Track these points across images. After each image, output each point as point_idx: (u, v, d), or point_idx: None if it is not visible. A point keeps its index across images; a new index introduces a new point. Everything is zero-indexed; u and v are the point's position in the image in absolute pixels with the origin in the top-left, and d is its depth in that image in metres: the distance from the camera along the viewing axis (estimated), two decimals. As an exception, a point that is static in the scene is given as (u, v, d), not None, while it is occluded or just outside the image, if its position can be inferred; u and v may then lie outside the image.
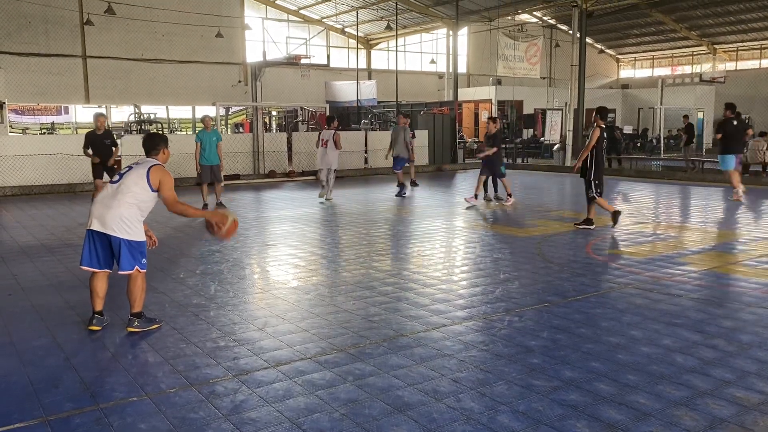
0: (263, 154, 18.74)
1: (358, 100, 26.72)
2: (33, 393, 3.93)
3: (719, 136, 13.20)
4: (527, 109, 29.52)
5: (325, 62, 20.89)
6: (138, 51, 25.74)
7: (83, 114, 29.74)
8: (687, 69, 37.64)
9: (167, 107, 28.99)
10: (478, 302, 5.79)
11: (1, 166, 15.02)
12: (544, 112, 27.53)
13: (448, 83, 29.42)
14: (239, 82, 28.03)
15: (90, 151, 11.52)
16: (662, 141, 27.28)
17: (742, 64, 35.67)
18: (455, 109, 24.10)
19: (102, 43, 25.03)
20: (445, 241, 9.14)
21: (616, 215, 9.67)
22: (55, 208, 12.67)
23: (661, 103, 28.89)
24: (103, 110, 14.13)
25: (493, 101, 30.00)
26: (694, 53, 37.04)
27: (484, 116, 29.80)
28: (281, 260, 7.80)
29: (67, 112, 30.58)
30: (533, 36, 28.56)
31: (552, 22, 34.46)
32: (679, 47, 36.82)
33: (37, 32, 24.00)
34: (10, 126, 22.92)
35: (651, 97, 32.19)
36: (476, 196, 12.48)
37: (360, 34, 32.05)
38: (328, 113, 19.83)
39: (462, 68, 31.92)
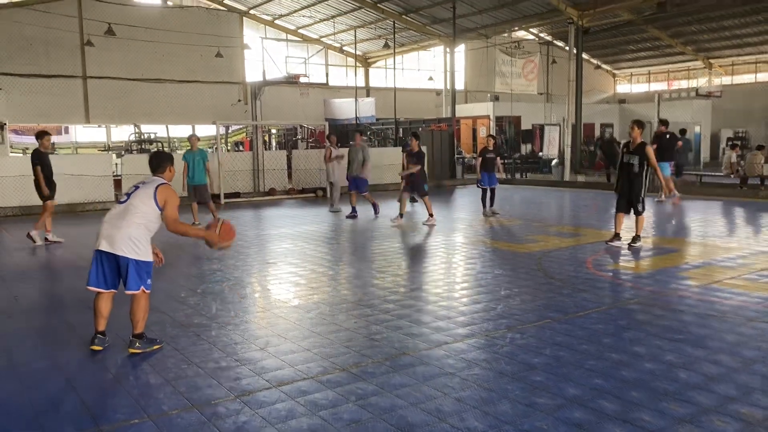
0: (263, 172, 18.79)
1: (357, 117, 26.83)
2: (34, 416, 3.91)
3: (655, 147, 14.06)
4: (525, 125, 29.62)
5: (324, 81, 21.03)
6: (138, 71, 25.90)
7: (83, 134, 29.89)
8: (683, 83, 37.86)
9: (167, 126, 29.12)
10: (479, 319, 5.78)
11: (2, 187, 15.04)
12: (542, 127, 27.64)
13: (445, 100, 29.58)
14: (239, 101, 28.19)
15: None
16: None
17: (738, 78, 35.88)
18: (453, 125, 24.20)
19: (102, 64, 25.20)
20: (445, 258, 9.14)
21: (618, 237, 9.37)
22: (55, 228, 12.64)
23: (658, 118, 29.03)
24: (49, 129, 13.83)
25: (491, 117, 30.12)
26: (690, 68, 37.27)
27: (482, 132, 29.91)
28: (282, 279, 7.79)
29: (67, 132, 30.73)
30: (530, 52, 28.76)
31: (548, 38, 34.72)
32: (675, 62, 37.05)
33: (38, 53, 24.17)
34: (11, 146, 22.98)
35: (648, 111, 32.22)
36: (401, 215, 12.22)
37: (358, 52, 32.30)
38: (327, 131, 19.95)
39: (459, 85, 32.11)
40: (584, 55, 27.10)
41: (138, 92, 26.02)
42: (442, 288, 7.13)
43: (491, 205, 13.48)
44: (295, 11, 29.43)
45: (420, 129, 24.07)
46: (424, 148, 16.70)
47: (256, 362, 4.77)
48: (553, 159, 23.73)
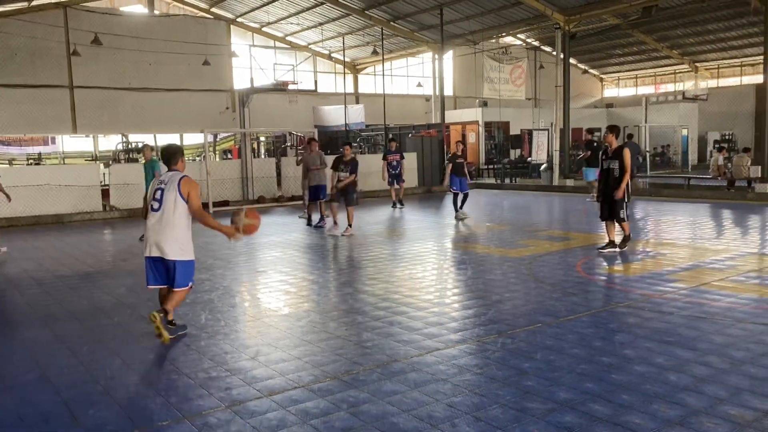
0: (252, 180, 18.74)
1: (346, 124, 26.84)
2: (23, 429, 3.87)
3: (589, 153, 16.68)
4: (514, 130, 29.77)
5: (313, 87, 20.99)
6: (125, 80, 25.77)
7: (70, 144, 29.66)
8: (670, 87, 38.16)
9: (155, 135, 28.99)
10: (470, 325, 5.78)
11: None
12: (530, 132, 27.78)
13: (434, 106, 29.67)
14: (227, 108, 28.11)
15: None
16: (648, 158, 27.55)
17: (724, 81, 36.22)
18: (443, 131, 24.26)
19: (89, 73, 25.05)
20: (436, 263, 9.15)
21: (612, 244, 9.34)
22: (42, 240, 12.58)
23: (646, 121, 29.25)
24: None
25: (480, 123, 30.25)
26: (677, 71, 37.58)
27: (471, 138, 30.01)
28: (272, 287, 7.77)
29: (54, 143, 30.48)
30: (518, 58, 28.92)
31: (536, 44, 34.93)
32: (662, 66, 37.36)
33: (24, 63, 23.99)
34: (-3, 157, 22.83)
35: (635, 115, 32.56)
36: (336, 223, 12.10)
37: (347, 59, 32.34)
38: (316, 138, 19.93)
39: (448, 91, 32.18)
40: (571, 60, 27.25)
41: (125, 101, 25.89)
42: (433, 294, 7.13)
43: (461, 207, 13.81)
44: (283, 18, 29.43)
45: (410, 135, 24.13)
46: (416, 155, 16.83)
47: (246, 372, 4.74)
48: (542, 164, 23.83)
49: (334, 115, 28.93)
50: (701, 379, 4.33)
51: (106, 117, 25.57)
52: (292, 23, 29.92)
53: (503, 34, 29.29)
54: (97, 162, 23.26)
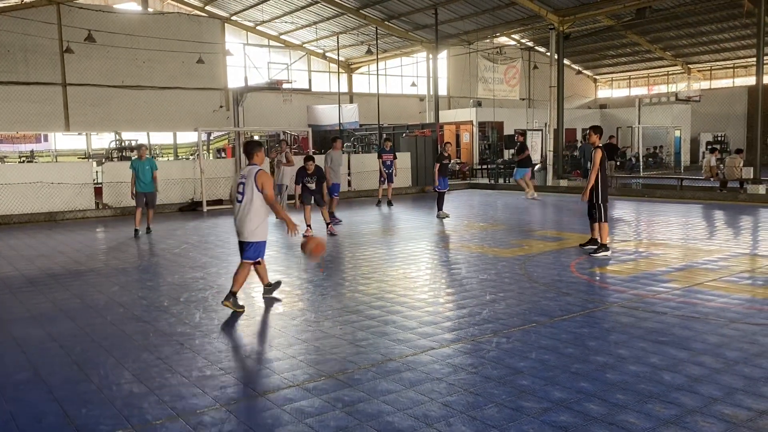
0: (246, 179, 18.68)
1: (340, 123, 26.82)
2: (16, 429, 3.84)
3: (526, 152, 18.61)
4: (507, 130, 29.75)
5: (307, 87, 20.95)
6: (118, 78, 25.66)
7: (63, 142, 29.50)
8: (663, 88, 38.30)
9: (148, 133, 28.88)
10: (465, 324, 5.78)
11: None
12: (524, 132, 27.81)
13: (429, 106, 29.68)
14: (221, 107, 28.04)
15: None
16: (641, 159, 27.68)
17: (716, 83, 36.40)
18: (437, 131, 24.27)
19: (82, 71, 24.93)
20: (430, 263, 9.15)
21: (602, 247, 9.21)
22: (35, 238, 12.50)
23: (639, 122, 29.37)
24: None
25: (474, 123, 30.28)
26: (670, 73, 37.73)
27: (465, 138, 30.03)
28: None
29: (46, 140, 30.30)
30: (512, 58, 28.96)
31: (530, 44, 35.00)
32: (655, 67, 37.49)
33: (16, 60, 23.85)
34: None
35: (628, 116, 32.70)
36: (309, 226, 11.90)
37: (341, 58, 32.28)
38: (310, 137, 19.93)
39: (443, 91, 32.21)
40: (565, 61, 27.29)
41: (118, 99, 25.78)
42: (428, 293, 7.13)
43: (440, 208, 14.14)
44: (278, 17, 29.38)
45: (404, 135, 24.12)
46: (409, 155, 16.77)
47: (241, 370, 4.73)
48: (536, 164, 23.87)
49: (328, 115, 28.89)
50: (695, 378, 4.35)
51: (99, 115, 25.46)
52: (286, 22, 29.88)
53: (498, 34, 29.34)
54: (90, 160, 23.15)
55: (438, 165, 14.20)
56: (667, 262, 8.61)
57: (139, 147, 13.38)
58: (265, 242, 6.57)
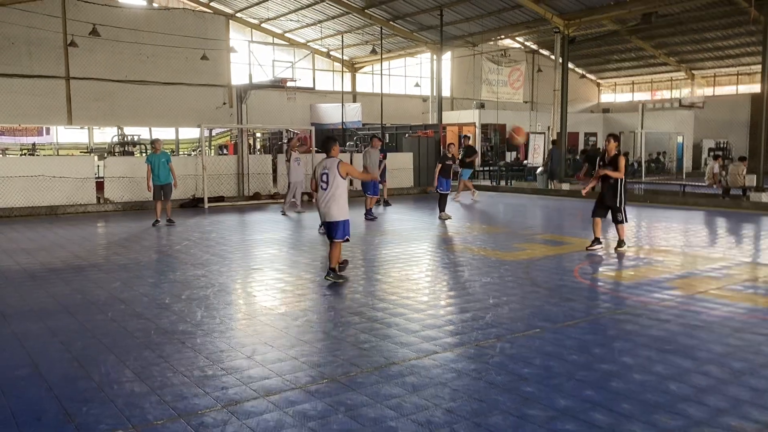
0: (248, 176, 18.66)
1: (343, 122, 26.78)
2: (15, 426, 3.80)
3: (474, 156, 19.89)
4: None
5: (311, 85, 20.90)
6: (122, 72, 25.61)
7: (65, 135, 29.47)
8: (666, 94, 38.26)
9: (150, 129, 28.86)
10: (468, 328, 5.74)
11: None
12: (527, 135, 27.77)
13: (432, 106, 29.62)
14: (224, 104, 27.99)
15: None
16: (643, 165, 27.62)
17: (720, 90, 36.34)
18: (440, 132, 24.23)
19: (86, 65, 24.88)
20: (432, 265, 9.11)
21: (598, 241, 9.89)
22: (36, 231, 12.47)
23: (642, 128, 29.31)
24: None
25: (477, 124, 30.24)
26: (673, 78, 37.68)
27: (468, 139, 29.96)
28: (268, 285, 7.71)
29: (48, 133, 30.27)
30: (516, 61, 28.92)
31: (534, 47, 34.96)
32: (659, 72, 37.43)
33: (20, 53, 23.81)
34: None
35: (631, 121, 32.64)
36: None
37: (345, 57, 32.25)
38: (313, 136, 19.90)
39: (446, 92, 32.16)
40: (569, 64, 27.26)
41: (122, 94, 25.72)
42: (430, 296, 7.10)
43: (443, 210, 14.27)
44: (283, 15, 29.33)
45: (407, 135, 24.09)
46: (412, 155, 16.73)
47: (242, 371, 4.69)
48: (538, 167, 23.84)
49: (331, 113, 28.86)
50: (702, 389, 4.31)
51: (102, 109, 25.42)
52: (291, 20, 29.83)
53: (502, 36, 29.26)
54: (92, 154, 23.12)
55: (440, 166, 14.19)
56: (670, 269, 8.57)
57: (154, 141, 13.89)
58: (349, 220, 7.66)
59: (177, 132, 29.90)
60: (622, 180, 9.58)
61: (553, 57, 25.09)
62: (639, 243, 10.93)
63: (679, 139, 31.57)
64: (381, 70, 26.84)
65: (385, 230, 12.67)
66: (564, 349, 5.15)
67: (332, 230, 7.63)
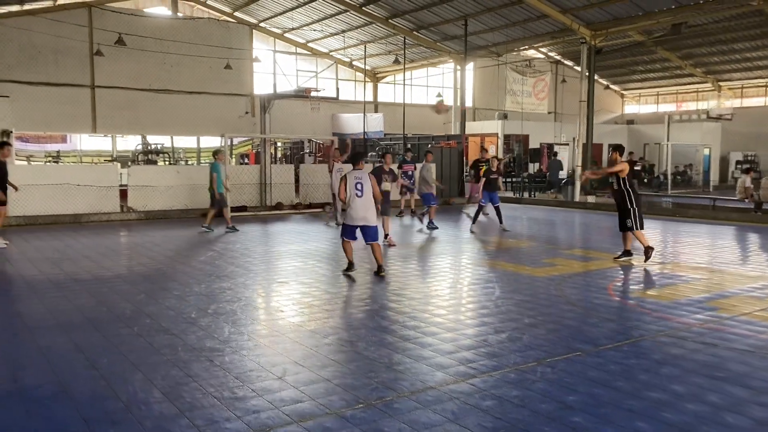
0: (270, 186, 18.58)
1: (365, 132, 26.67)
2: (41, 450, 3.66)
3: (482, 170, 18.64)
4: (533, 143, 29.45)
5: (335, 95, 20.81)
6: (146, 81, 25.78)
7: (88, 142, 29.69)
8: (691, 105, 37.69)
9: (171, 137, 29.00)
10: (506, 350, 5.52)
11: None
12: (550, 146, 27.45)
13: (454, 117, 29.42)
14: (246, 113, 28.03)
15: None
16: (669, 177, 27.17)
17: (747, 102, 35.72)
18: (463, 142, 24.02)
19: (110, 73, 25.08)
20: (462, 280, 8.89)
21: (649, 251, 9.72)
22: (60, 240, 12.45)
23: (668, 139, 28.85)
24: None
25: (500, 135, 29.97)
26: (699, 90, 37.12)
27: (491, 150, 29.71)
28: (295, 299, 7.54)
29: (71, 141, 30.52)
30: (541, 71, 28.65)
31: (558, 57, 34.66)
32: (684, 84, 36.89)
33: (47, 62, 24.07)
34: (16, 154, 22.75)
35: (656, 132, 32.19)
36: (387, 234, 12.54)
37: (367, 67, 32.21)
38: (336, 145, 19.77)
39: (468, 102, 31.95)
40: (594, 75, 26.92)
41: (146, 103, 25.88)
42: (463, 314, 6.88)
43: (501, 221, 14.26)
44: (306, 25, 29.38)
45: (429, 146, 23.91)
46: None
47: (274, 393, 4.51)
48: (563, 179, 23.52)
49: (353, 123, 28.79)
50: (761, 422, 4.05)
51: (126, 117, 25.58)
52: (314, 30, 29.86)
53: (527, 46, 29.01)
54: (116, 162, 23.23)
55: (484, 180, 14.31)
56: (709, 287, 8.27)
57: (217, 151, 14.33)
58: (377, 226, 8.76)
59: (198, 141, 30.03)
60: (626, 184, 9.74)
61: (576, 67, 24.82)
62: (674, 259, 10.61)
63: (706, 151, 31.04)
64: (404, 79, 26.72)
65: (411, 243, 12.46)
66: (608, 374, 4.90)
67: (370, 233, 8.60)
